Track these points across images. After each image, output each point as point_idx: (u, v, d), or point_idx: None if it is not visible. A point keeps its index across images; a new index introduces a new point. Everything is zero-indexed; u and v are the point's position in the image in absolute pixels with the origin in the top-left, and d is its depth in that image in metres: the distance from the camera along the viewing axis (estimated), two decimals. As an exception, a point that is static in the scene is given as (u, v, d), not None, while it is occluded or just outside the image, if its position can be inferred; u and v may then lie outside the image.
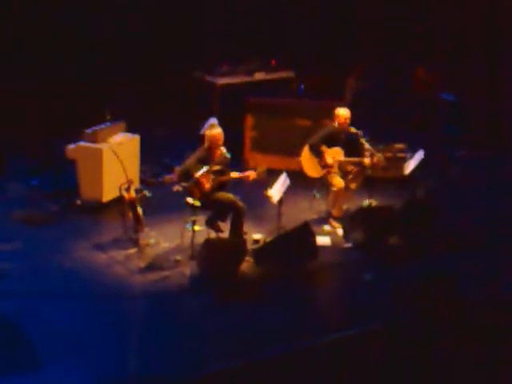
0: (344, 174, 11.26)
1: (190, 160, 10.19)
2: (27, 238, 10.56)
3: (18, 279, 9.54)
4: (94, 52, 14.61)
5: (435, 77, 15.85)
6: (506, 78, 14.93)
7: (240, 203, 10.22)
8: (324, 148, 11.15)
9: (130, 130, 11.98)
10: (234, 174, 10.41)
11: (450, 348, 8.63)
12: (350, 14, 16.26)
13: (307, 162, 11.26)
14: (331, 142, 11.20)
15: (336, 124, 11.23)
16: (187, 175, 10.04)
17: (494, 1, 15.07)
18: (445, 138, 14.56)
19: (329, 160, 11.12)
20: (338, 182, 11.12)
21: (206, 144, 10.31)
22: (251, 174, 10.33)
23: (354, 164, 11.24)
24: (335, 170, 11.19)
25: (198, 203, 10.09)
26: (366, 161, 11.11)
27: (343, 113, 11.20)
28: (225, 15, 15.59)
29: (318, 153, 11.14)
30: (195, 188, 10.06)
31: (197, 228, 10.26)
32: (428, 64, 16.09)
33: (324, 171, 11.18)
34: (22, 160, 12.67)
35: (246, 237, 10.39)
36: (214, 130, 10.39)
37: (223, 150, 10.28)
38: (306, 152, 11.26)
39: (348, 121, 11.16)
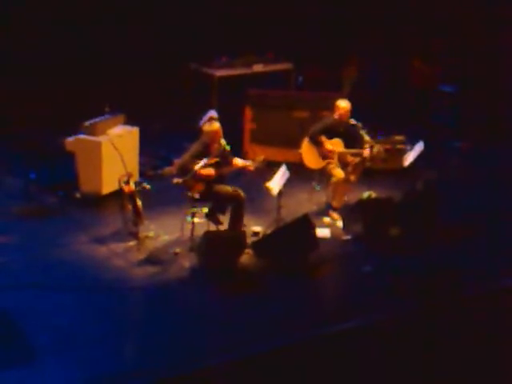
0: (343, 166, 11.24)
1: (189, 153, 10.16)
2: (26, 232, 10.54)
3: (17, 273, 9.51)
4: (92, 44, 14.58)
5: (433, 68, 15.83)
6: (506, 69, 14.92)
7: (240, 193, 10.21)
8: (323, 138, 11.14)
9: (129, 122, 11.95)
10: (237, 161, 10.38)
11: (450, 340, 8.63)
12: (348, 6, 16.22)
13: (307, 154, 11.24)
14: (331, 133, 11.18)
15: (336, 116, 11.20)
16: (186, 169, 10.01)
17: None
18: (443, 129, 14.55)
19: (329, 146, 11.10)
20: (338, 173, 11.11)
21: (204, 139, 10.28)
22: (250, 165, 10.33)
23: (354, 155, 11.22)
24: (335, 161, 11.17)
25: (197, 196, 10.08)
26: (366, 152, 11.10)
27: (344, 105, 11.17)
28: (223, 7, 15.55)
29: (317, 143, 11.13)
30: (194, 181, 10.03)
31: (196, 220, 10.25)
32: (426, 55, 16.08)
33: (325, 162, 11.16)
34: (20, 153, 12.63)
35: (245, 229, 10.38)
36: (212, 125, 10.33)
37: (223, 142, 10.25)
38: (305, 144, 11.24)
39: (348, 113, 11.15)
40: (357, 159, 11.22)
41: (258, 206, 11.07)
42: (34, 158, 12.41)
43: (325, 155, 11.17)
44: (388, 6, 16.15)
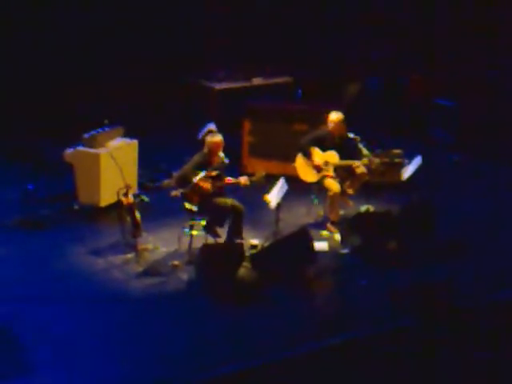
0: (342, 179, 11.24)
1: (188, 165, 10.19)
2: (23, 243, 10.55)
3: (14, 284, 9.51)
4: (92, 56, 14.63)
5: (431, 82, 15.88)
6: (503, 84, 14.97)
7: (238, 204, 10.22)
8: (313, 150, 11.13)
9: (129, 134, 11.98)
10: (227, 180, 10.40)
11: (448, 354, 8.63)
12: (348, 19, 16.29)
13: (302, 168, 11.24)
14: (325, 146, 11.17)
15: (329, 128, 11.21)
16: (185, 180, 10.04)
17: (493, 8, 15.17)
18: (441, 143, 14.58)
19: (316, 161, 11.11)
20: (334, 186, 11.11)
21: (206, 150, 10.30)
22: (243, 180, 10.32)
23: (349, 170, 11.20)
24: (331, 173, 11.17)
25: (195, 208, 10.10)
26: (357, 164, 11.04)
27: (334, 117, 11.19)
28: (223, 20, 15.62)
29: (307, 154, 11.13)
30: (193, 193, 10.05)
31: (194, 233, 10.26)
32: (424, 69, 16.13)
33: (319, 175, 11.16)
34: (18, 164, 12.65)
35: (243, 242, 10.39)
36: (215, 137, 10.36)
37: (222, 155, 10.28)
38: (299, 158, 11.24)
39: (339, 124, 11.14)
40: (353, 175, 11.20)
41: (256, 218, 11.08)
42: (32, 169, 12.42)
43: (317, 168, 11.17)
44: (387, 20, 16.23)
